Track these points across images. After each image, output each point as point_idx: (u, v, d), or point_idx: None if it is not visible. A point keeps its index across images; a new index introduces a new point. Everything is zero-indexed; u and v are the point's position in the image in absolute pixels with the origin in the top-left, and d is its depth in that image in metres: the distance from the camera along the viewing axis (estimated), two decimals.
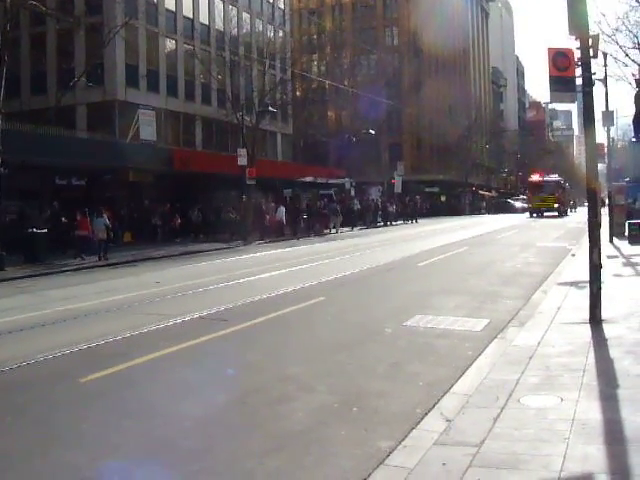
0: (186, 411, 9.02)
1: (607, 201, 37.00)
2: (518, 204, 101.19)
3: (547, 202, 75.91)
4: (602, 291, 13.14)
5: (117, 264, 31.03)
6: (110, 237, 34.58)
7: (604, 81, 33.52)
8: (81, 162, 37.91)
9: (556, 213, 76.55)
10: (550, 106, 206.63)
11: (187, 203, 46.93)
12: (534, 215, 76.00)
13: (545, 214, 76.13)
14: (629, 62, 35.01)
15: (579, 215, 74.27)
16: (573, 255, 26.46)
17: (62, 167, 38.43)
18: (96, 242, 33.08)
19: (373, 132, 70.36)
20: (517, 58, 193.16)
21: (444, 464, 6.67)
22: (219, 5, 61.95)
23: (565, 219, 71.63)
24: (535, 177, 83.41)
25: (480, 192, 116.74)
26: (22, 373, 11.17)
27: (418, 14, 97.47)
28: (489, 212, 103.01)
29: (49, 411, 9.28)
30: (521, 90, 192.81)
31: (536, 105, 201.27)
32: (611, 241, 31.28)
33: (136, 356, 11.78)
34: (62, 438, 8.23)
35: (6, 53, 30.75)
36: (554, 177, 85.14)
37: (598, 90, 29.67)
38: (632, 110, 35.98)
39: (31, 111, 47.18)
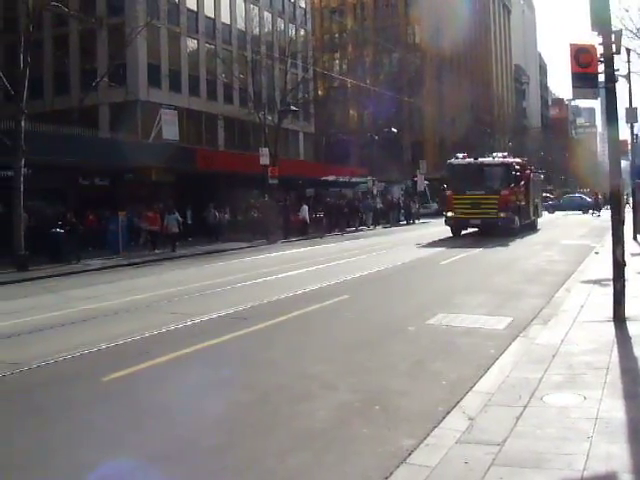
0: (208, 409, 9.03)
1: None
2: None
3: (484, 208, 38.33)
4: (626, 289, 13.05)
5: (140, 264, 31.13)
6: (181, 231, 37.86)
7: (627, 77, 33.27)
8: (104, 162, 38.05)
9: (511, 227, 39.28)
10: (573, 103, 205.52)
11: (208, 203, 46.88)
12: (459, 232, 40.99)
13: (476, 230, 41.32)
14: None
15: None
16: (597, 253, 26.31)
17: (85, 167, 38.57)
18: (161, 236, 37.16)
19: (395, 131, 70.22)
20: (539, 55, 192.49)
21: (466, 463, 6.64)
22: (240, 4, 62.03)
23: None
24: (460, 158, 42.85)
25: None
26: (45, 372, 11.21)
27: (440, 12, 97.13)
28: None
29: (71, 410, 9.31)
30: (543, 87, 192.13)
31: (559, 102, 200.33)
32: (635, 238, 31.08)
33: (158, 355, 11.81)
34: (84, 437, 8.26)
35: (29, 54, 30.91)
36: (499, 157, 43.11)
37: (621, 86, 29.44)
38: None
39: (54, 112, 47.41)
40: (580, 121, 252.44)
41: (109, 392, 10.09)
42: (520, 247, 32.94)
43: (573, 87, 13.61)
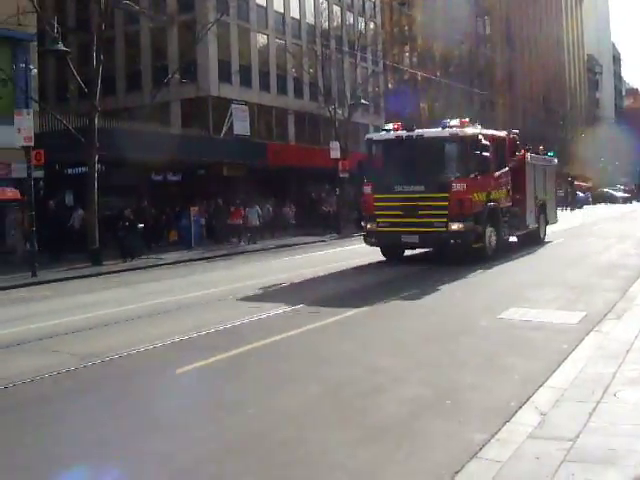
0: (279, 402, 9.09)
1: None
2: (619, 194, 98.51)
3: (423, 216, 23.22)
4: None
5: (211, 258, 31.45)
6: (261, 224, 39.74)
7: None
8: (176, 158, 38.50)
9: (474, 247, 23.59)
10: None
11: (281, 197, 47.15)
12: (393, 254, 25.79)
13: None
14: None
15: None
16: None
17: (157, 163, 39.09)
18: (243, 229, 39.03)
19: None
20: (613, 44, 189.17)
21: (538, 458, 6.59)
22: None
23: None
24: (390, 130, 25.95)
25: (576, 182, 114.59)
26: (120, 364, 11.43)
27: (510, 2, 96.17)
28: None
29: (146, 401, 9.48)
30: (617, 77, 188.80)
31: (633, 92, 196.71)
32: None
33: (229, 348, 11.91)
34: (157, 427, 8.42)
35: (102, 52, 31.42)
36: (453, 126, 24.83)
37: None
38: None
39: (126, 109, 48.12)
40: None
41: (182, 384, 10.26)
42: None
43: None
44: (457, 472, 6.56)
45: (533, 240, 29.76)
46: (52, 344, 13.30)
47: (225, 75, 51.93)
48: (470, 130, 24.47)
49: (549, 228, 32.40)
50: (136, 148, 35.09)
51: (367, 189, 25.15)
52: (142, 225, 32.18)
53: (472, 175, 23.36)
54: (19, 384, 10.52)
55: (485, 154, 23.69)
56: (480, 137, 23.94)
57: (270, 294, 18.79)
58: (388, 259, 25.55)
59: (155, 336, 13.15)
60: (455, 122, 25.06)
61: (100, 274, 26.64)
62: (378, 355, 11.40)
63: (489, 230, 24.22)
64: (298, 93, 60.00)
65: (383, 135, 26.17)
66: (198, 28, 41.11)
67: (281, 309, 15.78)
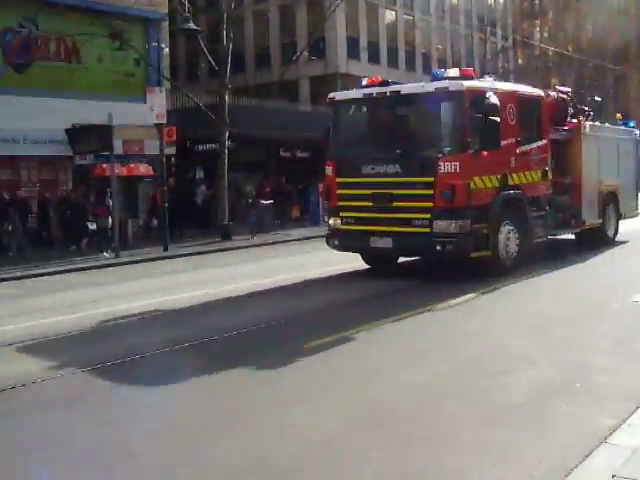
0: (405, 378, 9.10)
1: None
2: None
3: (398, 210, 16.13)
4: None
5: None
6: None
7: None
8: (304, 135, 38.82)
9: (472, 257, 16.07)
10: None
11: None
12: (374, 261, 18.71)
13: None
14: None
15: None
16: None
17: (286, 140, 39.48)
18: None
19: (599, 99, 67.98)
20: None
21: None
22: None
23: None
24: (364, 85, 17.82)
25: None
26: (251, 337, 11.76)
27: None
28: None
29: (275, 374, 9.65)
30: None
31: None
32: None
33: (355, 326, 11.96)
34: (285, 399, 8.57)
35: (231, 30, 31.84)
36: (448, 76, 16.47)
37: None
38: None
39: (256, 86, 48.72)
40: None
41: (310, 358, 10.34)
42: None
43: None
44: (586, 456, 6.40)
45: (598, 240, 21.53)
46: (186, 316, 13.83)
47: (353, 52, 52.05)
48: (470, 83, 16.29)
49: (626, 224, 23.90)
50: (265, 125, 35.60)
51: (329, 170, 18.08)
52: (270, 201, 32.54)
53: (472, 150, 15.80)
54: (166, 350, 10.97)
55: (494, 118, 15.75)
56: (487, 93, 15.99)
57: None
58: (373, 268, 18.80)
59: (283, 312, 13.39)
60: (453, 72, 16.96)
61: (229, 249, 27.18)
62: None
63: (505, 230, 16.67)
64: (427, 69, 59.47)
65: (348, 94, 19.09)
66: (326, 5, 41.24)
67: (401, 289, 15.75)
